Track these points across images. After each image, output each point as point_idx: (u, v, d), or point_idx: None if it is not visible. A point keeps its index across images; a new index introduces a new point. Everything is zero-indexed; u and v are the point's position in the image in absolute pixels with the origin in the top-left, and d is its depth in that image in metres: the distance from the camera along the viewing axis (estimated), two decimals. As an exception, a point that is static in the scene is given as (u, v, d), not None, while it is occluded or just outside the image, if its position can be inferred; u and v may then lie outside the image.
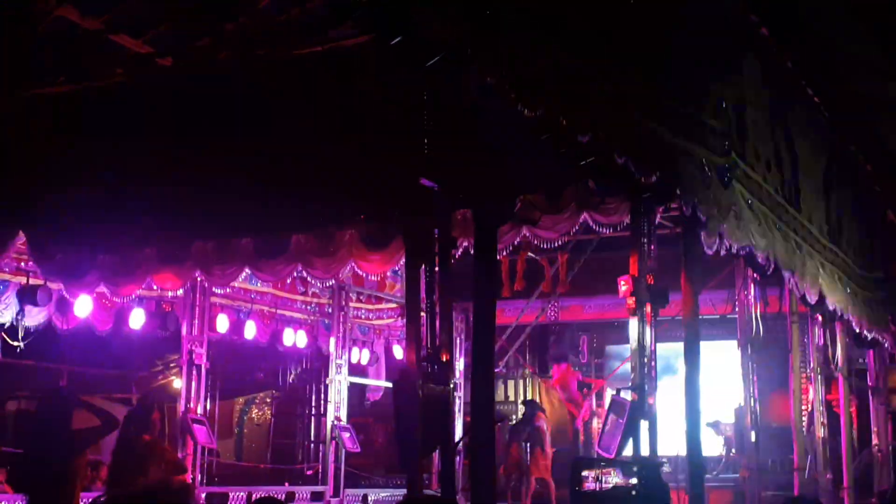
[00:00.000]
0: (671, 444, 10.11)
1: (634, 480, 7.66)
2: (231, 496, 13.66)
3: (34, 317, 12.68)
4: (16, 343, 12.51)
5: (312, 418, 19.58)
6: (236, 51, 7.66)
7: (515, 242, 9.29)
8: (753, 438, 13.22)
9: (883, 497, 12.96)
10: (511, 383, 20.99)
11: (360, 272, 9.99)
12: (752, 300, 13.09)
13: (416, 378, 5.81)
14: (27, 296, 12.23)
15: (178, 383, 14.24)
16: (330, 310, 15.81)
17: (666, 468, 10.37)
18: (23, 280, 12.29)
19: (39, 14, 7.41)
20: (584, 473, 7.92)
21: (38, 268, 11.51)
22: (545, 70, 5.35)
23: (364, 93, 8.01)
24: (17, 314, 12.40)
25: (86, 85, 8.52)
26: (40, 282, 12.11)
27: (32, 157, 9.81)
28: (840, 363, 13.80)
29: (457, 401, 15.19)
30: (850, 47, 9.67)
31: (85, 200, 10.14)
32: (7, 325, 12.21)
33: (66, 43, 7.80)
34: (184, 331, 13.74)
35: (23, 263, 12.13)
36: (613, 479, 7.76)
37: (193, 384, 13.55)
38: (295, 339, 16.30)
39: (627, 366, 8.75)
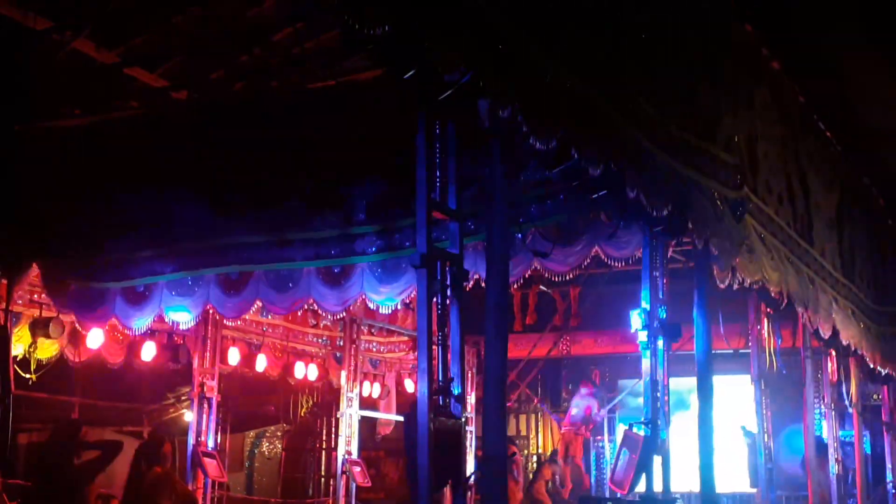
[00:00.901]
0: (685, 479, 10.07)
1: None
2: (241, 530, 13.59)
3: (46, 349, 12.69)
4: (28, 375, 12.51)
5: (323, 452, 19.51)
6: (251, 83, 7.73)
7: (527, 275, 9.27)
8: (767, 474, 13.10)
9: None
10: (523, 417, 20.91)
11: (371, 305, 9.96)
12: (766, 335, 13.03)
13: (427, 411, 5.78)
14: (40, 328, 12.25)
15: (188, 416, 14.18)
16: (341, 342, 15.78)
17: (679, 504, 10.30)
18: (35, 312, 12.31)
19: (56, 47, 7.48)
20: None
21: (51, 300, 11.54)
22: (558, 102, 5.37)
23: (376, 124, 8.06)
24: (30, 346, 12.41)
25: (101, 117, 8.60)
26: (53, 314, 12.13)
27: (47, 190, 9.88)
28: (854, 399, 13.71)
29: (469, 435, 15.13)
30: (862, 80, 9.68)
31: (98, 233, 10.19)
32: (19, 357, 12.21)
33: (82, 76, 7.88)
34: (195, 363, 13.71)
35: (36, 296, 12.15)
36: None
37: (204, 417, 13.51)
38: (306, 372, 16.27)
39: (637, 399, 8.70)
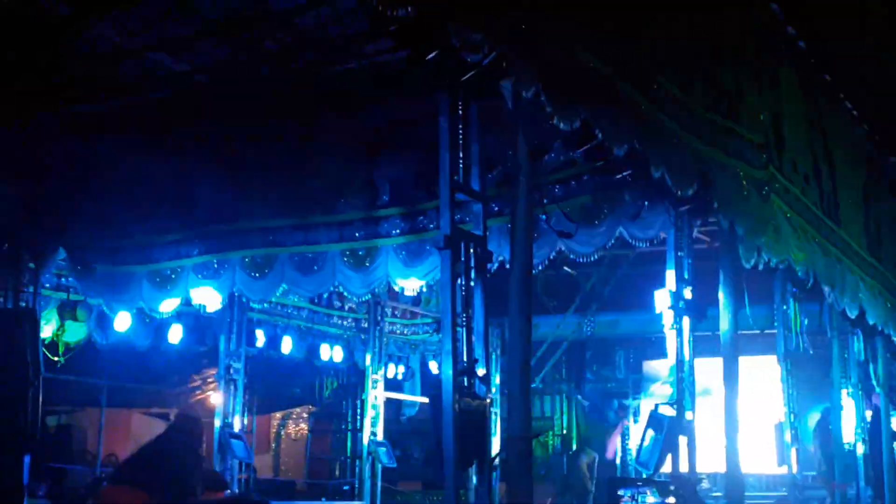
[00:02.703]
0: (711, 460, 10.03)
1: (671, 499, 7.61)
2: (269, 511, 13.62)
3: (74, 332, 12.79)
4: (56, 358, 12.63)
5: (349, 433, 19.62)
6: (274, 67, 7.73)
7: (551, 256, 9.25)
8: (794, 454, 13.07)
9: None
10: (548, 399, 20.90)
11: (396, 287, 9.98)
12: (792, 315, 12.96)
13: (452, 392, 5.81)
14: (67, 311, 12.35)
15: (215, 398, 14.28)
16: (366, 325, 15.83)
17: (704, 484, 10.29)
18: (63, 296, 12.41)
19: (79, 32, 7.50)
20: (621, 493, 7.90)
21: (79, 284, 11.63)
22: (581, 82, 5.35)
23: (400, 106, 8.06)
24: (58, 329, 12.52)
25: (124, 101, 8.64)
26: (81, 297, 12.22)
27: (72, 174, 9.94)
28: (881, 378, 13.63)
29: (494, 416, 15.13)
30: (889, 58, 9.57)
31: (124, 216, 10.26)
32: (48, 340, 12.32)
33: (104, 60, 7.91)
34: (221, 346, 13.80)
35: (63, 279, 12.26)
36: (650, 498, 7.71)
37: (231, 399, 13.60)
38: (331, 354, 16.35)
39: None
